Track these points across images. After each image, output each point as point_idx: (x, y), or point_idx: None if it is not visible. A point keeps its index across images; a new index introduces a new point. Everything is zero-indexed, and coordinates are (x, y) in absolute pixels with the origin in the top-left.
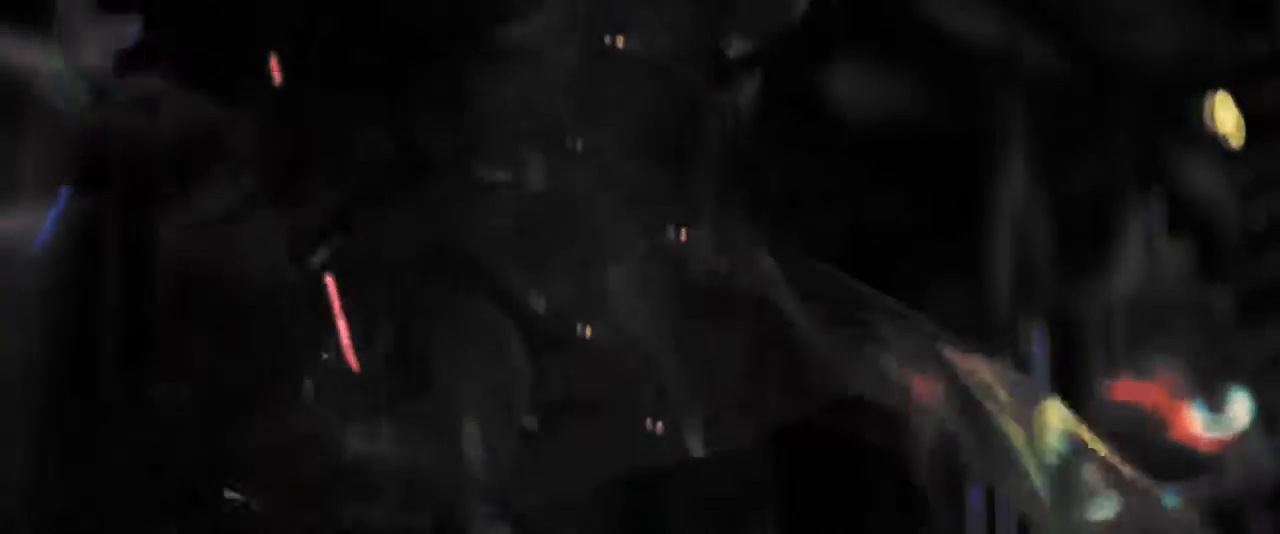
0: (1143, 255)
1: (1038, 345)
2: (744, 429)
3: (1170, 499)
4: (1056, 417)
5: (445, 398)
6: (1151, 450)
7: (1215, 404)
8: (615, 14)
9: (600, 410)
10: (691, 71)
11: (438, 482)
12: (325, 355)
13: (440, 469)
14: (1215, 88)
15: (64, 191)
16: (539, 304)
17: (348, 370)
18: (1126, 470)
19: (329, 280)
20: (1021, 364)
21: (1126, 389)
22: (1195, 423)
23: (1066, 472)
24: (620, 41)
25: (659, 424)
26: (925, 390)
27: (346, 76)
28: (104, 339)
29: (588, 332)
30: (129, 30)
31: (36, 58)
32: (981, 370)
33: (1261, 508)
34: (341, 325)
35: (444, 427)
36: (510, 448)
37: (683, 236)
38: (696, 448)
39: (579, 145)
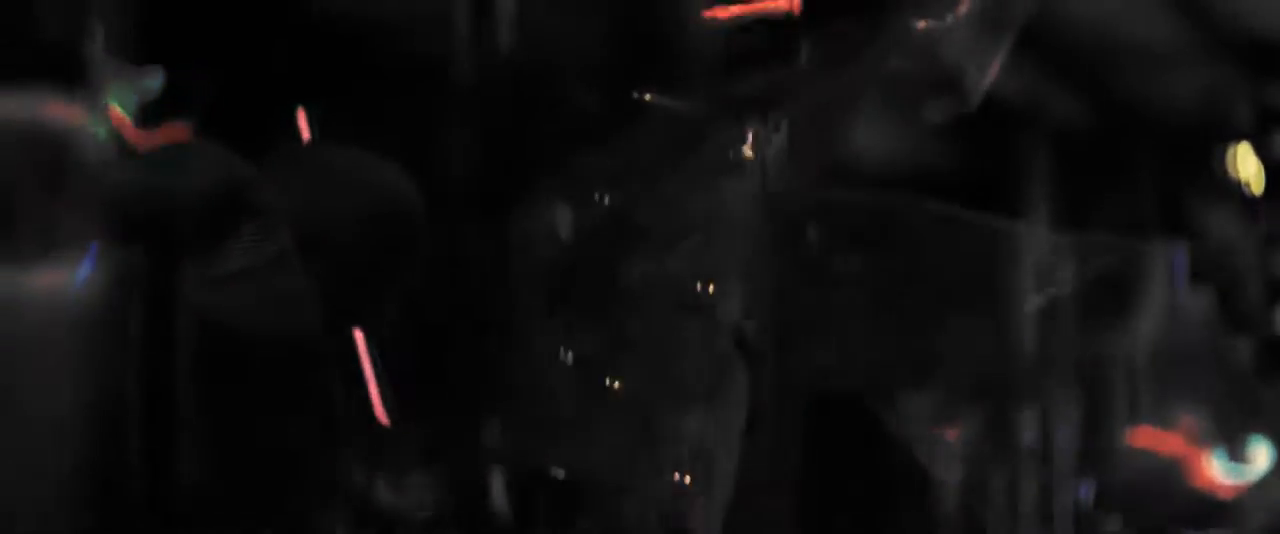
0: (1165, 304)
1: (1062, 394)
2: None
3: None
4: None
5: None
6: (1173, 499)
7: (1236, 452)
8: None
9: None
10: (719, 127)
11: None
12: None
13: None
14: (1237, 136)
15: (94, 248)
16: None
17: (380, 426)
18: None
19: (359, 335)
20: (1046, 413)
21: (1148, 437)
22: (1216, 471)
23: None
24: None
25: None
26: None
27: (376, 131)
28: (132, 397)
29: (618, 385)
30: (157, 83)
31: (74, 115)
32: None
33: None
34: (372, 381)
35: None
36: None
37: (711, 292)
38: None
39: (607, 201)
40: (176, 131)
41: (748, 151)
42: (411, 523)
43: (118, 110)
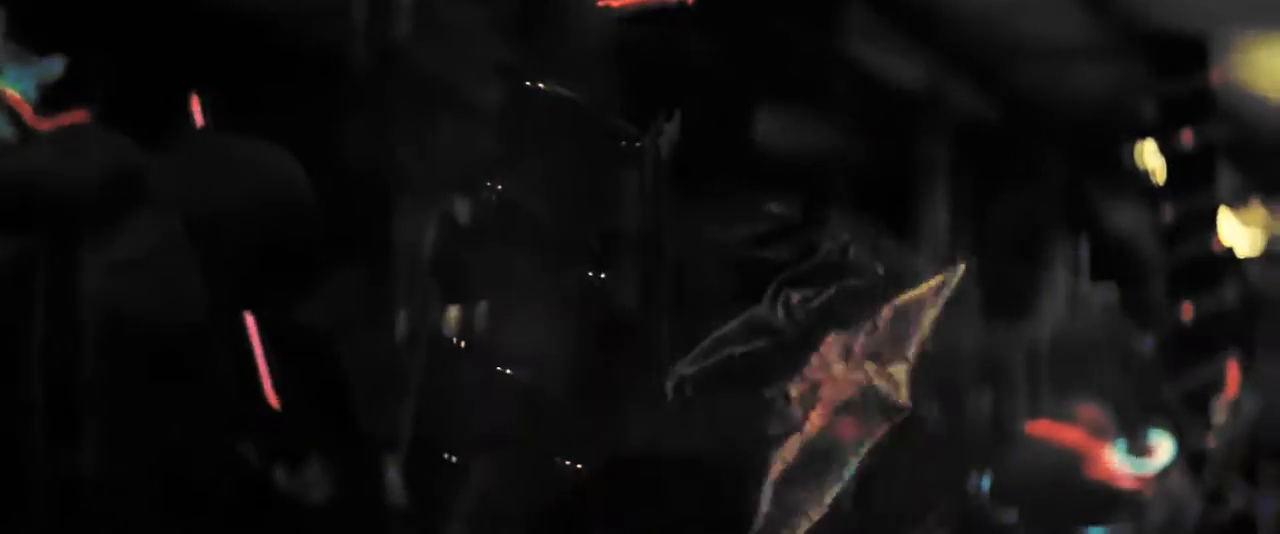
0: (1066, 297)
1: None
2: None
3: None
4: None
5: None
6: (1072, 491)
7: (1137, 445)
8: (539, 60)
9: (517, 445)
10: (611, 117)
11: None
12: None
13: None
14: (1141, 131)
15: None
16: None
17: (276, 411)
18: None
19: (249, 319)
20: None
21: (1049, 429)
22: (1116, 463)
23: None
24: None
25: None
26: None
27: (271, 120)
28: (32, 380)
29: (507, 370)
30: (54, 70)
31: None
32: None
33: None
34: (263, 363)
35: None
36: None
37: (598, 280)
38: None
39: (498, 189)
40: (75, 117)
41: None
42: (308, 506)
43: (15, 95)
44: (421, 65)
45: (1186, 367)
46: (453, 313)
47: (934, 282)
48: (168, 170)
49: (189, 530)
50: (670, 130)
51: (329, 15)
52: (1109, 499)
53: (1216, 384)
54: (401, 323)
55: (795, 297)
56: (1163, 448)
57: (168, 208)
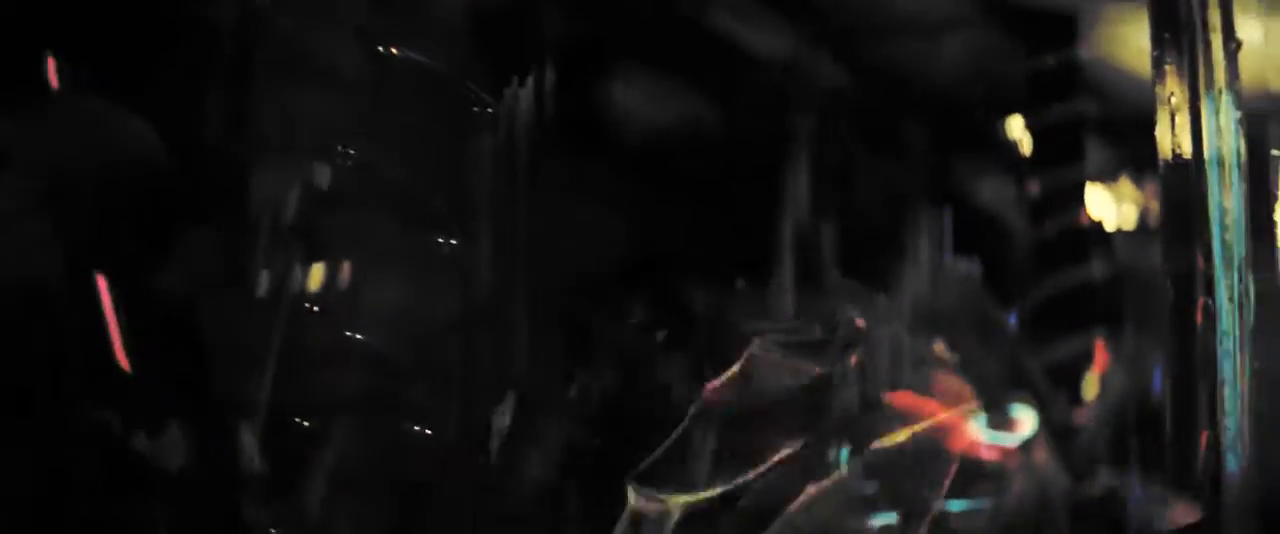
0: (930, 270)
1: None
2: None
3: (953, 509)
4: None
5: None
6: (935, 463)
7: (998, 417)
8: (395, 24)
9: (368, 413)
10: (468, 83)
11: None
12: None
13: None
14: (1007, 104)
15: None
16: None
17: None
18: None
19: (101, 281)
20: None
21: (909, 401)
22: (980, 435)
23: None
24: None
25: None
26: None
27: (129, 82)
28: None
29: (357, 336)
30: None
31: None
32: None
33: (1047, 519)
34: (114, 327)
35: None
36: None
37: (452, 247)
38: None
39: (352, 154)
40: None
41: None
42: (166, 472)
43: None
44: (282, 29)
45: (1052, 341)
46: (307, 276)
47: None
48: (20, 133)
49: (50, 495)
50: (526, 98)
51: None
52: (970, 472)
53: (1083, 359)
54: (259, 287)
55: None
56: (1025, 421)
57: (19, 170)
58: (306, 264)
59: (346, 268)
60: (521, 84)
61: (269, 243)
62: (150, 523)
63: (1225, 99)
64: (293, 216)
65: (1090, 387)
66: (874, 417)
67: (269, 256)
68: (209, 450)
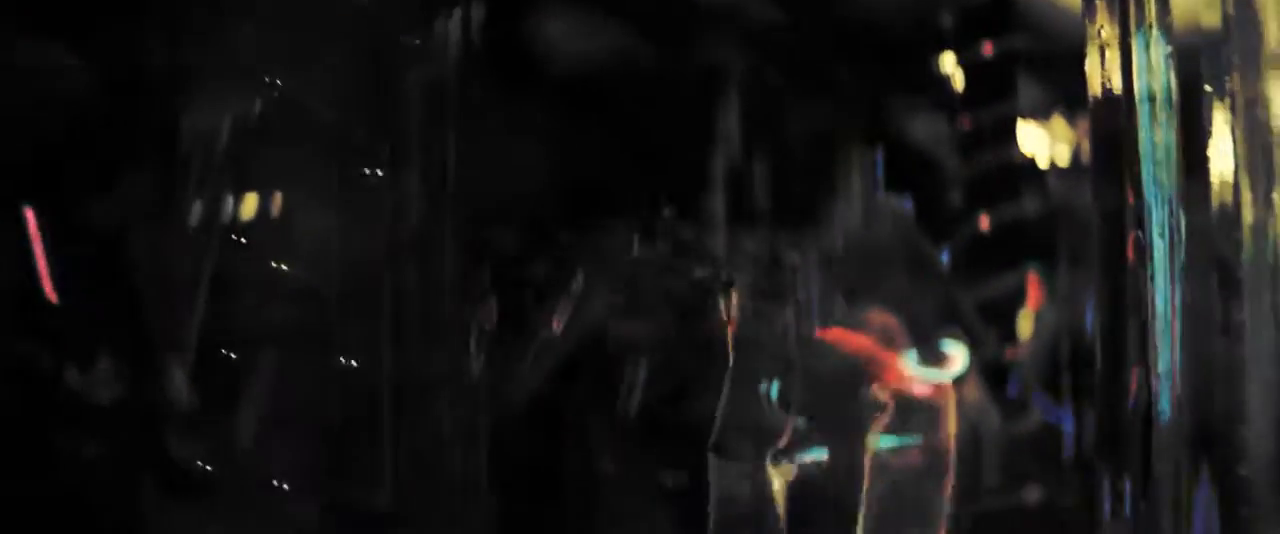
0: (860, 206)
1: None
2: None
3: (885, 445)
4: None
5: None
6: (865, 399)
7: (930, 353)
8: None
9: (293, 346)
10: (394, 14)
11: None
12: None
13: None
14: (940, 41)
15: None
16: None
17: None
18: None
19: (29, 212)
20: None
21: (840, 336)
22: (910, 371)
23: None
24: None
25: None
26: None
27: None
28: None
29: (283, 268)
30: None
31: None
32: None
33: (977, 456)
34: (40, 256)
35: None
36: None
37: (376, 178)
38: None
39: (278, 86)
40: None
41: None
42: (98, 407)
43: None
44: None
45: (984, 278)
46: (235, 209)
47: None
48: None
49: None
50: (454, 30)
51: None
52: (902, 408)
53: (1016, 296)
54: (189, 220)
55: None
56: (956, 358)
57: None
58: (236, 195)
59: (275, 199)
60: (449, 16)
61: (201, 175)
62: (80, 457)
63: (1156, 34)
64: (223, 149)
65: (1024, 323)
66: (805, 352)
67: (200, 189)
68: (140, 384)
